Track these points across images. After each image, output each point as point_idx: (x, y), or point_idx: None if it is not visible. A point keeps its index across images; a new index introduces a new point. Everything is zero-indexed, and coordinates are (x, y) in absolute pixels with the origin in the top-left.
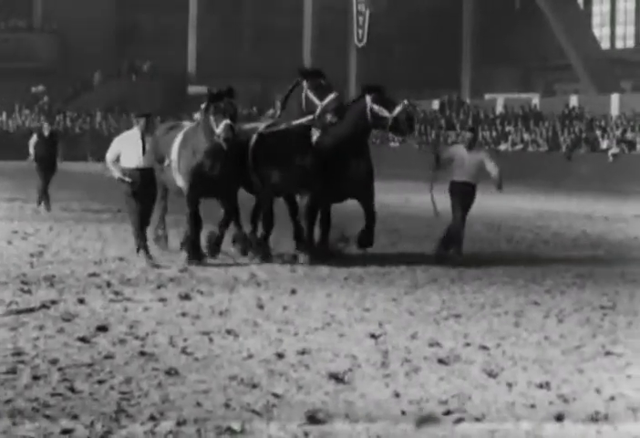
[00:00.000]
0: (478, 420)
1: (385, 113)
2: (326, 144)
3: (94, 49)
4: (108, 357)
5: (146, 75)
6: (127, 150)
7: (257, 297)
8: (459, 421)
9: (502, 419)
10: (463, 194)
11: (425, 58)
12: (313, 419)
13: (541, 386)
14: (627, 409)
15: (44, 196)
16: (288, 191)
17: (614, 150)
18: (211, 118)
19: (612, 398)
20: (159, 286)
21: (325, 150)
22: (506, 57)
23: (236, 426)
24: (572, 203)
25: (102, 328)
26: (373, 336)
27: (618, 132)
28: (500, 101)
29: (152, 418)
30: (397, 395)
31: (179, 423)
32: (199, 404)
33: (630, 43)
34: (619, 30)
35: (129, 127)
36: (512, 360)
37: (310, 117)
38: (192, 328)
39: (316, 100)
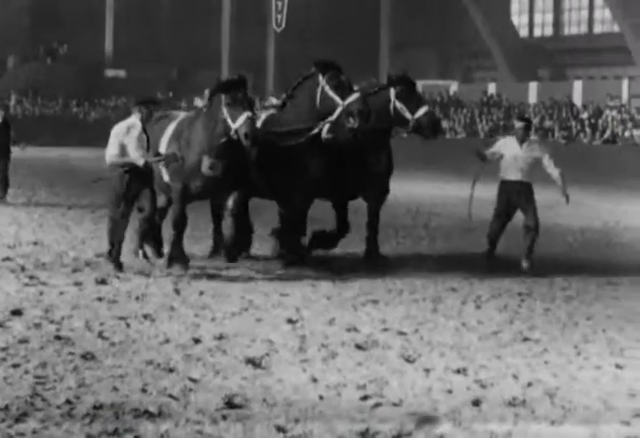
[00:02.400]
0: (395, 405)
1: (407, 115)
2: (341, 140)
3: (8, 32)
4: (23, 341)
5: (62, 58)
6: (132, 142)
7: (174, 281)
8: (377, 405)
9: (420, 404)
10: (517, 195)
11: (343, 44)
12: (230, 403)
13: (458, 371)
14: (544, 394)
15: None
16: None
17: (533, 137)
18: (224, 109)
19: (529, 383)
20: (74, 271)
21: (339, 146)
22: (425, 44)
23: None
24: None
25: (16, 312)
26: (290, 321)
27: (536, 120)
28: (418, 87)
29: (68, 402)
30: (315, 380)
31: (95, 407)
32: (115, 389)
33: (548, 31)
34: (537, 18)
35: (44, 111)
36: (430, 346)
37: (319, 124)
38: (109, 312)
39: (337, 98)
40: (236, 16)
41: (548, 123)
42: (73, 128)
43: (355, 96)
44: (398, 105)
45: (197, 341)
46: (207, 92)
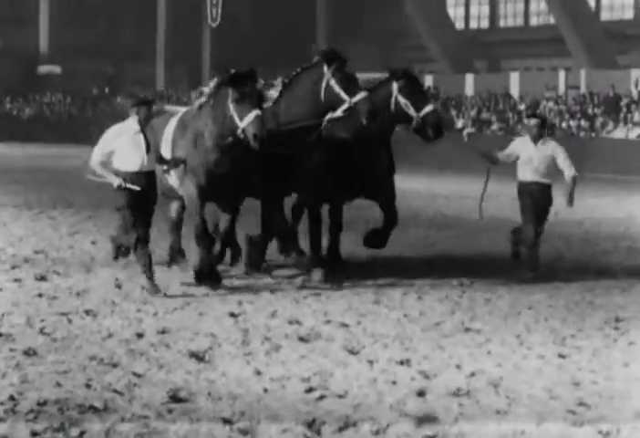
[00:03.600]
0: (340, 396)
1: (411, 111)
2: (338, 137)
3: None
4: None
5: None
6: (124, 148)
7: (115, 277)
8: (322, 397)
9: (365, 395)
10: (535, 197)
11: (280, 37)
12: (175, 397)
13: (401, 363)
14: (489, 384)
15: None
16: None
17: (469, 129)
18: (231, 106)
19: (472, 374)
20: (13, 267)
21: (337, 143)
22: (362, 37)
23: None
24: (433, 182)
25: None
26: (233, 315)
27: (473, 112)
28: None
29: (12, 398)
30: (259, 373)
31: (39, 403)
32: (59, 384)
33: (484, 23)
34: (473, 10)
35: None
36: (373, 338)
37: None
38: (50, 308)
39: (343, 94)
40: (172, 10)
41: (485, 115)
42: (7, 124)
43: (363, 94)
44: (402, 100)
45: (140, 336)
46: (211, 84)
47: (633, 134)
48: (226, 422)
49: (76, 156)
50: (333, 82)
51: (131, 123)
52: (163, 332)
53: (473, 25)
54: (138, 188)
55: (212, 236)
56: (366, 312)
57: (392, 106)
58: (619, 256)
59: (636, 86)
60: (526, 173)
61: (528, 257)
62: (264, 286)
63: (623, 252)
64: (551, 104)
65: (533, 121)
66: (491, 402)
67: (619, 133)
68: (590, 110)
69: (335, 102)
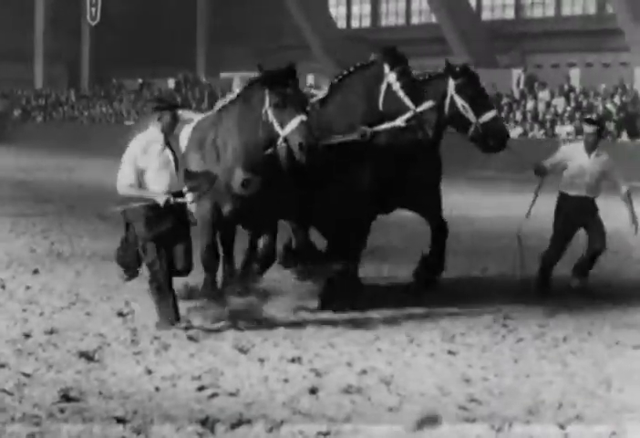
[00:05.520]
0: (232, 394)
1: (470, 115)
2: (384, 141)
3: None
4: None
5: None
6: (153, 165)
7: None
8: (214, 396)
9: (257, 393)
10: (580, 213)
11: (160, 36)
12: (66, 397)
13: (293, 360)
14: (380, 381)
15: None
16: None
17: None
18: (270, 111)
19: (363, 371)
20: None
21: (382, 148)
22: (242, 36)
23: None
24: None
25: None
26: (121, 314)
27: None
28: (236, 80)
29: None
30: (150, 372)
31: None
32: None
33: (366, 22)
34: (355, 9)
35: None
36: (263, 336)
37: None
38: None
39: (409, 102)
40: (50, 9)
41: None
42: None
43: (429, 103)
44: (459, 101)
45: (27, 336)
46: (239, 84)
47: (514, 133)
48: (119, 421)
49: None
50: (397, 87)
51: (155, 134)
52: (51, 332)
53: (355, 24)
54: (189, 199)
55: (217, 260)
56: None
57: (446, 108)
58: (509, 254)
59: (518, 85)
60: (574, 187)
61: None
62: None
63: (509, 249)
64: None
65: (591, 129)
66: (383, 399)
67: None
68: None
69: (396, 110)
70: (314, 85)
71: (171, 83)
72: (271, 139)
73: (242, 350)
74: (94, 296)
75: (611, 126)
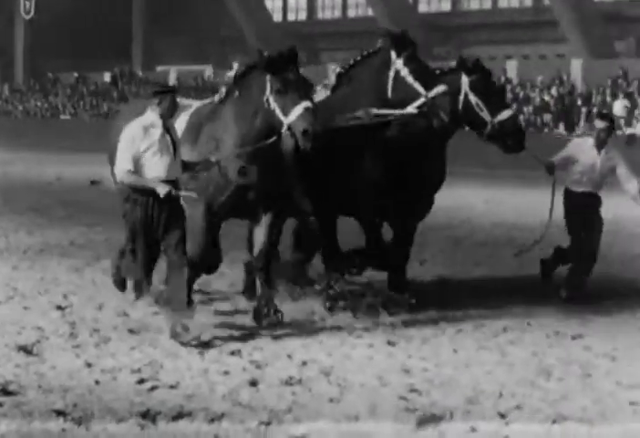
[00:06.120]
0: (173, 387)
1: (484, 114)
2: (396, 140)
3: None
4: None
5: None
6: (151, 151)
7: None
8: (154, 388)
9: (197, 385)
10: (587, 210)
11: (95, 29)
12: (5, 390)
13: (233, 353)
14: (320, 373)
15: None
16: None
17: None
18: (272, 97)
19: (304, 363)
20: None
21: (394, 147)
22: (178, 29)
23: None
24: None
25: None
26: (59, 308)
27: None
28: (172, 73)
29: None
30: (89, 365)
31: None
32: None
33: (302, 15)
34: (291, 2)
35: None
36: (202, 329)
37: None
38: None
39: (419, 87)
40: None
41: None
42: None
43: (442, 88)
44: (473, 99)
45: None
46: (236, 68)
47: None
48: (59, 414)
49: None
50: (405, 72)
51: (153, 118)
52: None
53: (291, 17)
54: (194, 194)
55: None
56: (195, 303)
57: (460, 105)
58: (447, 247)
59: None
60: (581, 183)
61: (572, 275)
62: (89, 280)
63: (457, 244)
64: None
65: (603, 124)
66: (324, 391)
67: None
68: None
69: (407, 97)
70: None
71: (107, 77)
72: (273, 127)
73: (182, 343)
74: (31, 289)
75: (547, 118)
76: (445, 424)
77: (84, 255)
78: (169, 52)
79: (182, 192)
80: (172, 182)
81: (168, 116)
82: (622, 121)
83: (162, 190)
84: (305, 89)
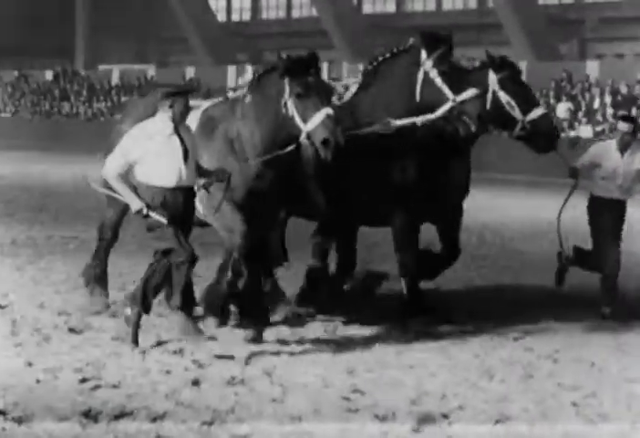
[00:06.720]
0: (115, 386)
1: (516, 113)
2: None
3: None
4: None
5: None
6: (155, 155)
7: None
8: (96, 387)
9: (139, 385)
10: (612, 217)
11: (38, 27)
12: None
13: (175, 352)
14: (263, 373)
15: None
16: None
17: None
18: (290, 102)
19: (247, 363)
20: None
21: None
22: (121, 28)
23: None
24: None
25: None
26: (0, 306)
27: None
28: (115, 73)
29: None
30: (30, 364)
31: None
32: None
33: (246, 16)
34: (235, 3)
35: None
36: (144, 328)
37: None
38: None
39: (447, 91)
40: None
41: None
42: None
43: (472, 92)
44: (503, 97)
45: None
46: (251, 72)
47: None
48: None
49: None
50: (434, 74)
51: (163, 121)
52: None
53: (235, 17)
54: (164, 220)
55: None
56: None
57: (488, 104)
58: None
59: None
60: (608, 189)
61: (605, 288)
62: (30, 278)
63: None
64: None
65: (626, 126)
66: (266, 391)
67: None
68: None
69: (434, 101)
70: (195, 77)
71: (49, 75)
72: (291, 134)
73: (125, 342)
74: None
75: None
76: (388, 425)
77: (25, 254)
78: (111, 51)
79: (154, 214)
80: (188, 189)
81: (181, 120)
82: (565, 124)
83: (135, 206)
84: (327, 95)
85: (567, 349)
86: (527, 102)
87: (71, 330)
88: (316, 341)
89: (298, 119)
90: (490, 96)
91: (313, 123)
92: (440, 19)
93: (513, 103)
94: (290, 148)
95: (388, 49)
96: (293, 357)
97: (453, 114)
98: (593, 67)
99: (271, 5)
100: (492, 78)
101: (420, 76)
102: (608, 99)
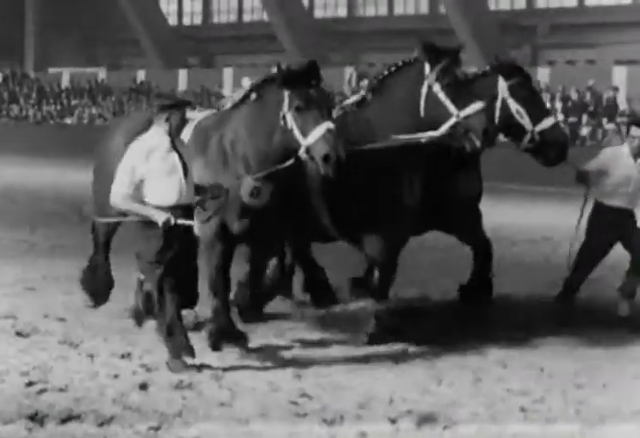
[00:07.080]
0: (62, 390)
1: (525, 122)
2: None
3: None
4: None
5: None
6: (157, 173)
7: None
8: (43, 391)
9: (87, 389)
10: (618, 226)
11: None
12: None
13: (123, 356)
14: (211, 377)
15: None
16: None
17: None
18: (290, 115)
19: (199, 368)
20: None
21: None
22: (71, 30)
23: None
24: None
25: None
26: None
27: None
28: (65, 75)
29: None
30: None
31: None
32: None
33: (198, 19)
34: (186, 6)
35: None
36: (92, 331)
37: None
38: None
39: (450, 106)
40: None
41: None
42: None
43: (477, 106)
44: (513, 106)
45: None
46: (247, 82)
47: None
48: None
49: None
50: (437, 88)
51: (160, 135)
52: None
53: (186, 21)
54: (194, 223)
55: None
56: (79, 306)
57: (497, 113)
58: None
59: (349, 83)
60: (614, 196)
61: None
62: None
63: None
64: None
65: (639, 132)
66: (214, 395)
67: None
68: None
69: (438, 116)
70: (146, 80)
71: None
72: (290, 148)
73: (72, 345)
74: None
75: None
76: (335, 428)
77: None
78: (62, 54)
79: (181, 221)
80: (186, 208)
81: (177, 134)
82: None
83: (160, 218)
84: (328, 108)
85: (516, 353)
86: (538, 111)
87: (18, 334)
88: (264, 346)
89: (297, 133)
90: (498, 104)
91: (313, 137)
92: (392, 24)
93: (523, 112)
94: (289, 162)
95: (393, 64)
96: (241, 362)
97: (458, 130)
98: (544, 74)
99: (222, 9)
100: (502, 84)
101: (424, 90)
102: (559, 105)
